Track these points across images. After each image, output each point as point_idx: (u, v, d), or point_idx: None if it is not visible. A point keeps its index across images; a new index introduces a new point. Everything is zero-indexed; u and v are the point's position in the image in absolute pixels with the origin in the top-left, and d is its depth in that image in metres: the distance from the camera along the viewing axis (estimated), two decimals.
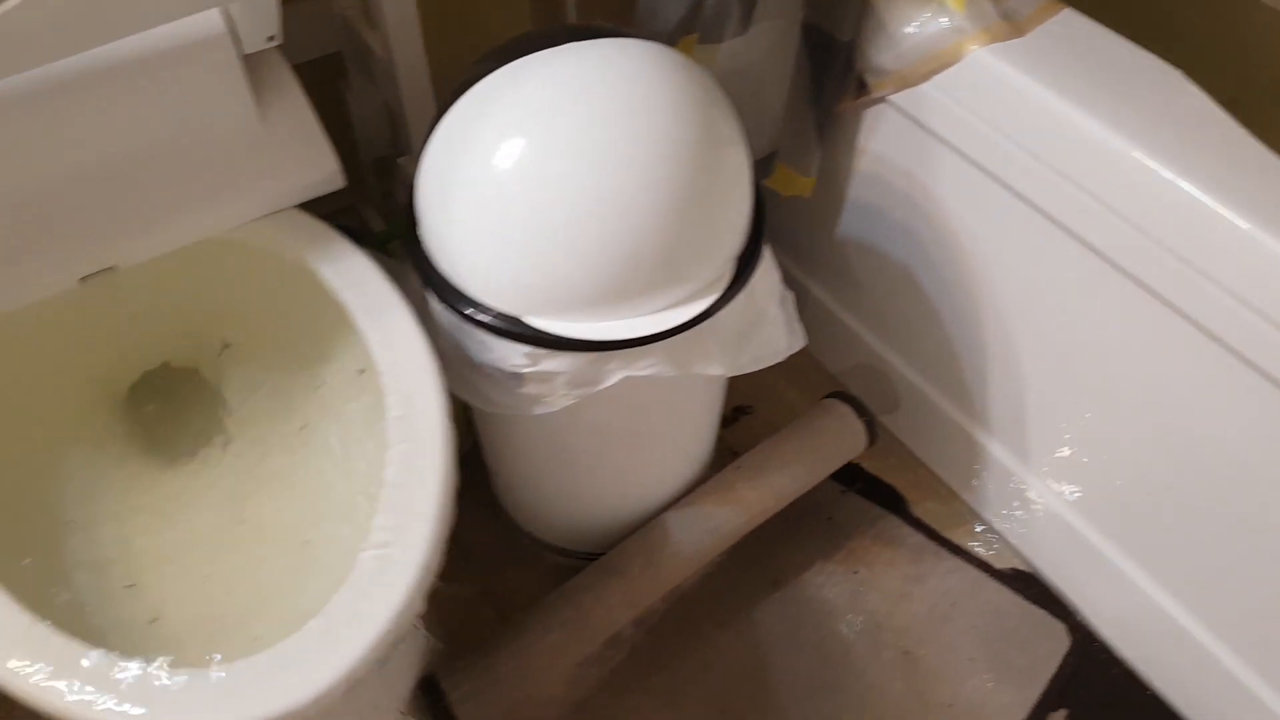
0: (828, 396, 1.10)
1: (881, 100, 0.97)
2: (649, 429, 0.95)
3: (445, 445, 0.71)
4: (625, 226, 0.74)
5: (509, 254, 0.77)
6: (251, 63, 0.80)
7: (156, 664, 0.59)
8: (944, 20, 0.88)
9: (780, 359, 0.88)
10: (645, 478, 1.02)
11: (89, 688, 0.58)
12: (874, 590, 1.09)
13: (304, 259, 0.81)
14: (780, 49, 0.96)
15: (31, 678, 0.59)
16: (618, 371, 0.80)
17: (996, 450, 1.08)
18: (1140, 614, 1.01)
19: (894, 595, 1.09)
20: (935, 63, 0.90)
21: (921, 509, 1.16)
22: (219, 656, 0.61)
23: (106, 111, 0.75)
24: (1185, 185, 0.76)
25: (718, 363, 0.83)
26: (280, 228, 0.82)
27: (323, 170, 0.83)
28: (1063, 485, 1.04)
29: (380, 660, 0.61)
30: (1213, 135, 0.79)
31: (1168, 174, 0.77)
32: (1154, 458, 0.92)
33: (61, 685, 0.59)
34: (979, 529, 1.15)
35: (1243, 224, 0.73)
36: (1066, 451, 1.01)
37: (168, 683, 0.58)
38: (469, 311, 0.79)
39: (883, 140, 1.01)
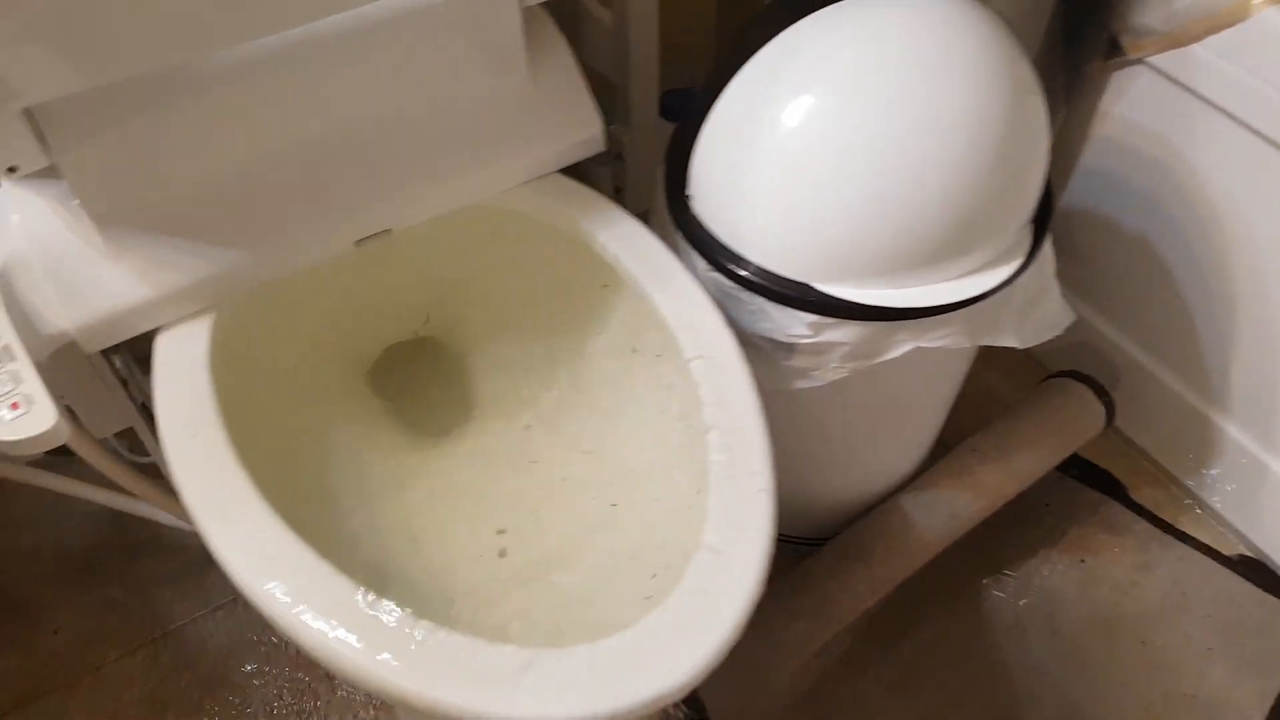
0: (1056, 375, 1.05)
1: (1138, 61, 0.92)
2: (901, 406, 0.91)
3: (760, 409, 0.67)
4: (931, 186, 0.70)
5: (804, 216, 0.73)
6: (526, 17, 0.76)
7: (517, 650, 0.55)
8: None
9: (1059, 331, 0.83)
10: (881, 459, 0.97)
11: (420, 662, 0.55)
12: (1103, 579, 1.04)
13: (576, 225, 0.77)
14: (1037, 5, 0.91)
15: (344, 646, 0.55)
16: (907, 343, 0.76)
17: (1233, 431, 1.03)
18: None
19: (1124, 584, 1.04)
20: (1214, 23, 0.85)
21: (1141, 494, 1.11)
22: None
23: (386, 68, 0.72)
24: None
25: (1011, 333, 0.78)
26: (546, 192, 0.79)
27: (589, 132, 0.80)
28: None
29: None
30: None
31: None
32: None
33: (390, 658, 0.55)
34: (1201, 514, 1.10)
35: None
36: None
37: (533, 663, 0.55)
38: (752, 277, 0.75)
39: (1132, 103, 0.96)
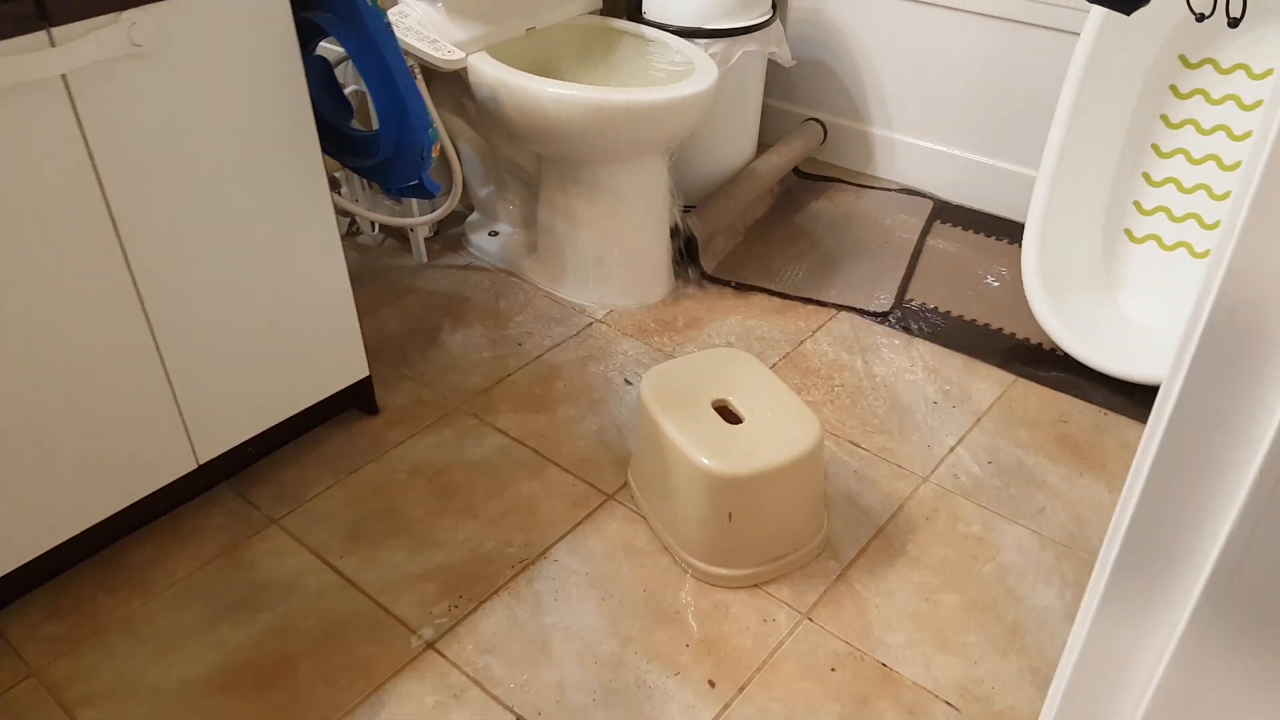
0: (804, 121, 2.30)
1: None
2: (740, 103, 2.09)
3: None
4: None
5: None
6: None
7: None
8: None
9: (791, 63, 2.07)
10: (742, 135, 2.15)
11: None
12: (840, 203, 2.25)
13: (607, 23, 1.93)
14: None
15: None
16: (739, 51, 1.96)
17: (874, 130, 2.30)
18: (968, 175, 2.21)
19: (852, 201, 2.25)
20: None
21: (849, 178, 2.35)
22: None
23: None
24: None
25: (778, 48, 2.01)
26: (591, 16, 1.95)
27: None
28: (912, 129, 2.26)
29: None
30: None
31: None
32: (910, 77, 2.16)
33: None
34: (878, 177, 2.35)
35: None
36: (914, 113, 2.24)
37: None
38: (682, 28, 1.93)
39: None
